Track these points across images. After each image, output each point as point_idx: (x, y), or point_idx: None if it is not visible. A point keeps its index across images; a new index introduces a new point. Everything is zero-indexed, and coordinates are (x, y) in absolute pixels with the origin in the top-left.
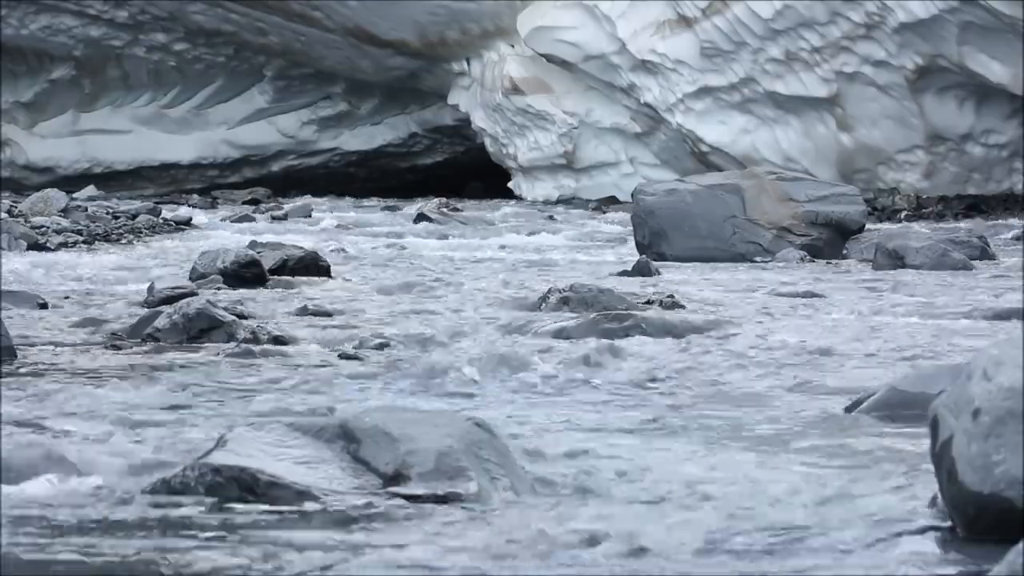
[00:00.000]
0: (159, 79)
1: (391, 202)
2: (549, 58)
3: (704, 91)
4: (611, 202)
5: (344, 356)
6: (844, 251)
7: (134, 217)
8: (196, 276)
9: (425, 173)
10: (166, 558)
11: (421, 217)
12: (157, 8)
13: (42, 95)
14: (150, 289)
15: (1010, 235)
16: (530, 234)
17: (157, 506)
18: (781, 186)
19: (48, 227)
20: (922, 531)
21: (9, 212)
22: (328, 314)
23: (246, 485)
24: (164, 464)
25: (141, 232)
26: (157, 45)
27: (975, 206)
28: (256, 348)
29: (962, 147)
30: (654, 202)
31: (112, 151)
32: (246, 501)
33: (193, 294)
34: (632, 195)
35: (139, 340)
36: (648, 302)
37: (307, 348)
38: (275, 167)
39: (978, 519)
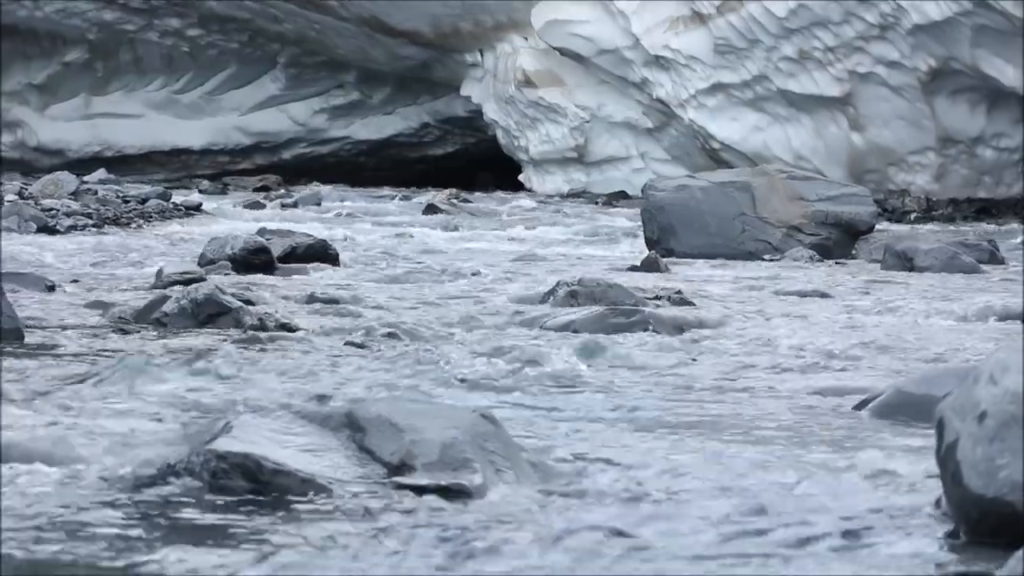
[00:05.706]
0: (172, 64)
1: (401, 192)
2: (562, 51)
3: (717, 88)
4: (621, 197)
5: (351, 344)
6: (853, 251)
7: (144, 201)
8: (205, 262)
9: (435, 164)
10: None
11: (430, 208)
12: None
13: (55, 78)
14: (158, 274)
15: (1020, 239)
16: (539, 227)
17: (160, 492)
18: (791, 185)
19: (58, 210)
20: (926, 533)
21: (20, 194)
22: (336, 302)
23: (250, 472)
24: (168, 450)
25: (151, 217)
26: (170, 30)
27: (985, 209)
28: (263, 335)
29: (973, 150)
30: (664, 198)
31: (123, 135)
32: (250, 488)
33: (201, 279)
34: (642, 190)
35: (147, 324)
36: (656, 297)
37: (314, 336)
38: (286, 155)
39: (981, 522)
